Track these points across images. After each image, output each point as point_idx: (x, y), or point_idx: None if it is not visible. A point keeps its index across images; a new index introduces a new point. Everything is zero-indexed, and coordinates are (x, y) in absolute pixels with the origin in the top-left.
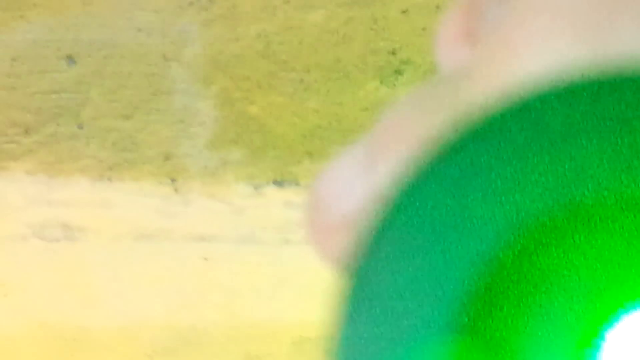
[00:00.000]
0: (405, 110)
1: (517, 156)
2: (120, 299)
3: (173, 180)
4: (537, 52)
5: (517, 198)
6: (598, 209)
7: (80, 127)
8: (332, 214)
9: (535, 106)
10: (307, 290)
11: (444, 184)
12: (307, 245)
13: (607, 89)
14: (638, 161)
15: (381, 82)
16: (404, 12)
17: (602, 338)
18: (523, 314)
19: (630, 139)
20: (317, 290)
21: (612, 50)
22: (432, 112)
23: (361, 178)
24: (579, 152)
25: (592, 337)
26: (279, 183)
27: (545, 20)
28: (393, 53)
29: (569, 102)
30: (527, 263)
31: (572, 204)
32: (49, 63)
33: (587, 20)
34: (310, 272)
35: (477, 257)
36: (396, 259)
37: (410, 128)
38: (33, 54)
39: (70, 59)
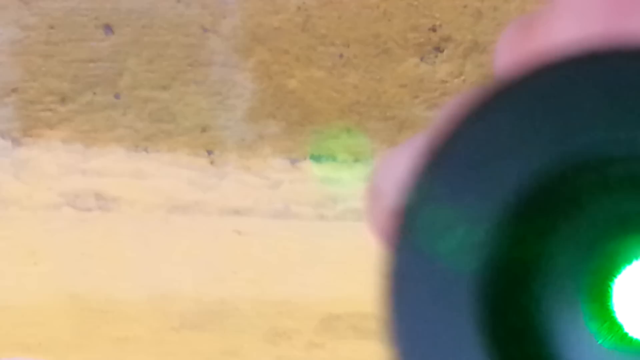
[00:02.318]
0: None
1: (546, 106)
2: (150, 270)
3: (209, 152)
4: (558, 32)
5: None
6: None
7: (117, 96)
8: (389, 200)
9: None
10: (338, 268)
11: (496, 121)
12: (341, 222)
13: (617, 59)
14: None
15: (421, 59)
16: None
17: (612, 277)
18: (553, 233)
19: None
20: (349, 268)
21: (626, 25)
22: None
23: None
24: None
25: (606, 274)
26: (316, 158)
27: (568, 7)
28: (433, 30)
29: (585, 68)
30: (559, 191)
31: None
32: (87, 32)
33: (602, 7)
34: (343, 249)
35: (522, 180)
36: (456, 175)
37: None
38: (71, 22)
39: (108, 28)
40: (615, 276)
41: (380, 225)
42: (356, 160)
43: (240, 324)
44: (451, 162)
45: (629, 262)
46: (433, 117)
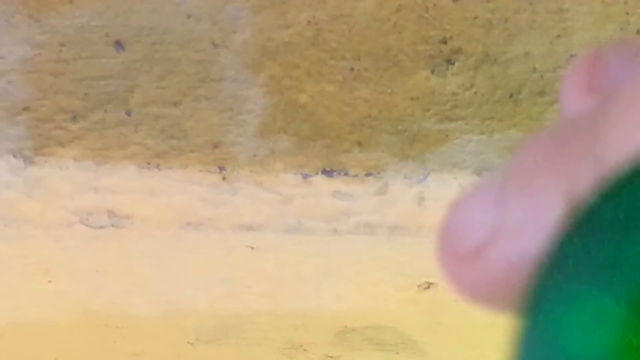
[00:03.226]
0: (539, 151)
1: None
2: (164, 286)
3: (221, 168)
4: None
5: None
6: None
7: (128, 113)
8: (463, 244)
9: None
10: (352, 281)
11: (600, 231)
12: (354, 236)
13: None
14: None
15: (432, 72)
16: (455, 0)
17: None
18: None
19: None
20: (363, 281)
21: None
22: (569, 156)
23: (492, 210)
24: None
25: None
26: (327, 172)
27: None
28: (444, 42)
29: None
30: None
31: None
32: (97, 49)
33: None
34: (357, 263)
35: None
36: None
37: (546, 169)
38: (81, 39)
39: (119, 45)
40: None
41: (454, 270)
42: (368, 174)
43: (256, 337)
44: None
45: None
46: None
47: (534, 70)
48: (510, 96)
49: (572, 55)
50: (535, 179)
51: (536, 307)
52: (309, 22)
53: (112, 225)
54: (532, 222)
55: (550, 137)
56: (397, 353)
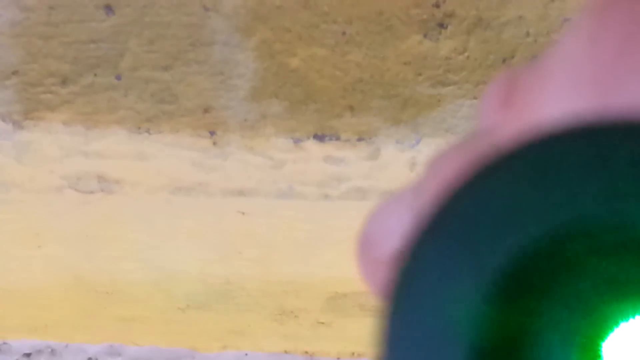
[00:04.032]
0: (445, 156)
1: (533, 180)
2: (154, 252)
3: (212, 133)
4: (549, 105)
5: (532, 214)
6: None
7: (118, 78)
8: (381, 250)
9: (546, 143)
10: (344, 247)
11: (480, 197)
12: (346, 201)
13: (602, 133)
14: (626, 191)
15: (425, 36)
16: None
17: (603, 339)
18: (545, 297)
19: (613, 173)
20: (352, 247)
21: (615, 101)
22: (466, 151)
23: (408, 217)
24: (581, 180)
25: (595, 337)
26: (319, 137)
27: (557, 80)
28: (437, 6)
29: (570, 140)
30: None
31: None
32: (87, 12)
33: (590, 78)
34: (348, 228)
35: (506, 253)
36: (442, 253)
37: (446, 167)
38: (71, 2)
39: (109, 9)
40: (605, 338)
41: (371, 274)
42: (360, 139)
43: (246, 303)
44: (445, 233)
45: (618, 324)
46: (422, 172)
47: (528, 34)
48: (504, 60)
49: (565, 20)
50: (438, 179)
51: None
52: None
53: (102, 190)
54: None
55: (456, 144)
56: None
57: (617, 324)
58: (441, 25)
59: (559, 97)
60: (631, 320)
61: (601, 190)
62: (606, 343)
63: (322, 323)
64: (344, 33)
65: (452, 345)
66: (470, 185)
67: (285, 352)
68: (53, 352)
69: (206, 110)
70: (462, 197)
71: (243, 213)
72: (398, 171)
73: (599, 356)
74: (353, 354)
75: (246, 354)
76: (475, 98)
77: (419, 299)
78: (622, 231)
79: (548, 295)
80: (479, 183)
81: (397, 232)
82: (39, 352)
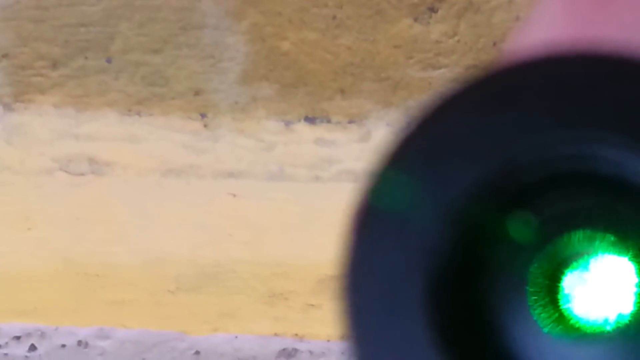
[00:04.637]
0: None
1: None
2: (145, 234)
3: (203, 115)
4: (536, 31)
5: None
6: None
7: (109, 60)
8: None
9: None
10: (335, 229)
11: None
12: (336, 183)
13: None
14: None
15: (415, 20)
16: None
17: (560, 278)
18: (502, 228)
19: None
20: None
21: (599, 33)
22: None
23: None
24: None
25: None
26: (310, 120)
27: (535, 17)
28: None
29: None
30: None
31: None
32: None
33: (564, 19)
34: (339, 210)
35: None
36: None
37: None
38: None
39: None
40: (562, 269)
41: None
42: (351, 121)
43: (236, 286)
44: (407, 157)
45: (576, 255)
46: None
47: (518, 18)
48: (494, 44)
49: None
50: None
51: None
52: None
53: (93, 173)
54: None
55: None
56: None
57: (575, 261)
58: (431, 10)
59: (536, 28)
60: (590, 257)
61: (558, 119)
62: (563, 282)
63: (313, 305)
64: (334, 17)
65: (410, 271)
66: (429, 117)
67: (275, 334)
68: (42, 334)
69: (197, 93)
70: (421, 129)
71: (234, 195)
72: None
73: (556, 286)
74: (343, 336)
75: (236, 337)
76: None
77: (380, 228)
78: (578, 161)
79: (504, 225)
80: (442, 111)
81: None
82: (29, 335)
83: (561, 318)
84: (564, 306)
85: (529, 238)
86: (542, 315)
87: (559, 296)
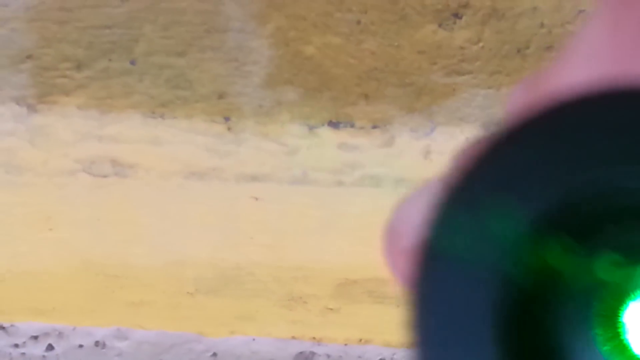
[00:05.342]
0: (469, 149)
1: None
2: (165, 236)
3: (226, 118)
4: (569, 75)
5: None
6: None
7: (133, 63)
8: (406, 241)
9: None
10: (355, 234)
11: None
12: (359, 188)
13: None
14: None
15: (439, 25)
16: None
17: (623, 308)
18: (570, 257)
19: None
20: (366, 234)
21: (630, 71)
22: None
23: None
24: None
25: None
26: (334, 124)
27: (579, 56)
28: None
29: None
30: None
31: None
32: None
33: (610, 55)
34: (361, 215)
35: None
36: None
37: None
38: None
39: None
40: (625, 300)
41: (398, 265)
42: (374, 126)
43: (255, 289)
44: (471, 192)
45: (637, 294)
46: (456, 150)
47: (542, 25)
48: (518, 51)
49: (580, 11)
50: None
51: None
52: None
53: (116, 174)
54: None
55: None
56: (398, 306)
57: (636, 293)
58: (456, 16)
59: (577, 66)
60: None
61: (618, 154)
62: (626, 313)
63: (331, 309)
64: (358, 22)
65: (479, 308)
66: (491, 152)
67: (293, 337)
68: (60, 335)
69: (221, 96)
70: (483, 164)
71: (256, 199)
72: (412, 159)
73: (619, 316)
74: (360, 340)
75: (254, 339)
76: (489, 88)
77: (446, 263)
78: (639, 195)
79: (568, 261)
80: (499, 150)
81: (420, 223)
82: (46, 334)
83: (623, 349)
84: (626, 337)
85: (593, 270)
86: (605, 346)
87: (621, 327)
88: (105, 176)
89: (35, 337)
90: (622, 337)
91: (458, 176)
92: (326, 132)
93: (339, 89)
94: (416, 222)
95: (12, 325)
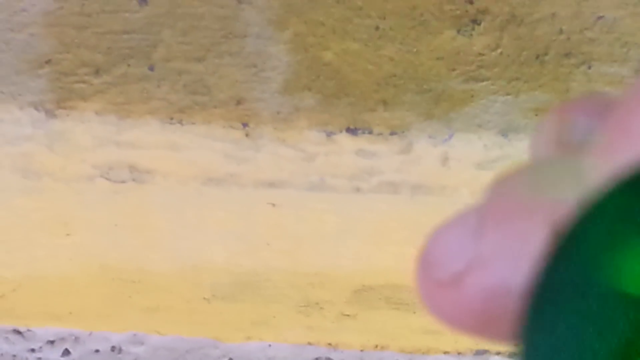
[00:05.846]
0: (517, 185)
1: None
2: (183, 242)
3: (244, 124)
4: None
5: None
6: None
7: (151, 68)
8: (442, 272)
9: None
10: (372, 240)
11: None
12: (376, 195)
13: None
14: None
15: (458, 32)
16: None
17: None
18: None
19: None
20: (383, 240)
21: None
22: (548, 189)
23: (470, 241)
24: None
25: None
26: (352, 131)
27: None
28: (470, 2)
29: None
30: None
31: None
32: (121, 2)
33: None
34: (378, 222)
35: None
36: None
37: (526, 202)
38: None
39: (142, 0)
40: None
41: (431, 295)
42: (392, 133)
43: (272, 294)
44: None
45: None
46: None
47: (561, 31)
48: (537, 57)
49: (599, 17)
50: (514, 212)
51: (531, 333)
52: None
53: (133, 180)
54: (510, 252)
55: (527, 172)
56: (414, 312)
57: None
58: (474, 22)
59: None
60: None
61: None
62: None
63: (347, 315)
64: (377, 28)
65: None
66: (578, 226)
67: (309, 343)
68: (76, 339)
69: (239, 102)
70: (572, 239)
71: (273, 205)
72: (430, 166)
73: None
74: (376, 346)
75: (269, 345)
76: (508, 94)
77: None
78: None
79: None
80: (585, 225)
81: (459, 255)
82: (63, 339)
83: None
84: None
85: None
86: None
87: None
88: (123, 182)
89: (52, 342)
90: None
91: (540, 269)
92: (344, 139)
93: (357, 95)
94: (452, 253)
95: (28, 330)
